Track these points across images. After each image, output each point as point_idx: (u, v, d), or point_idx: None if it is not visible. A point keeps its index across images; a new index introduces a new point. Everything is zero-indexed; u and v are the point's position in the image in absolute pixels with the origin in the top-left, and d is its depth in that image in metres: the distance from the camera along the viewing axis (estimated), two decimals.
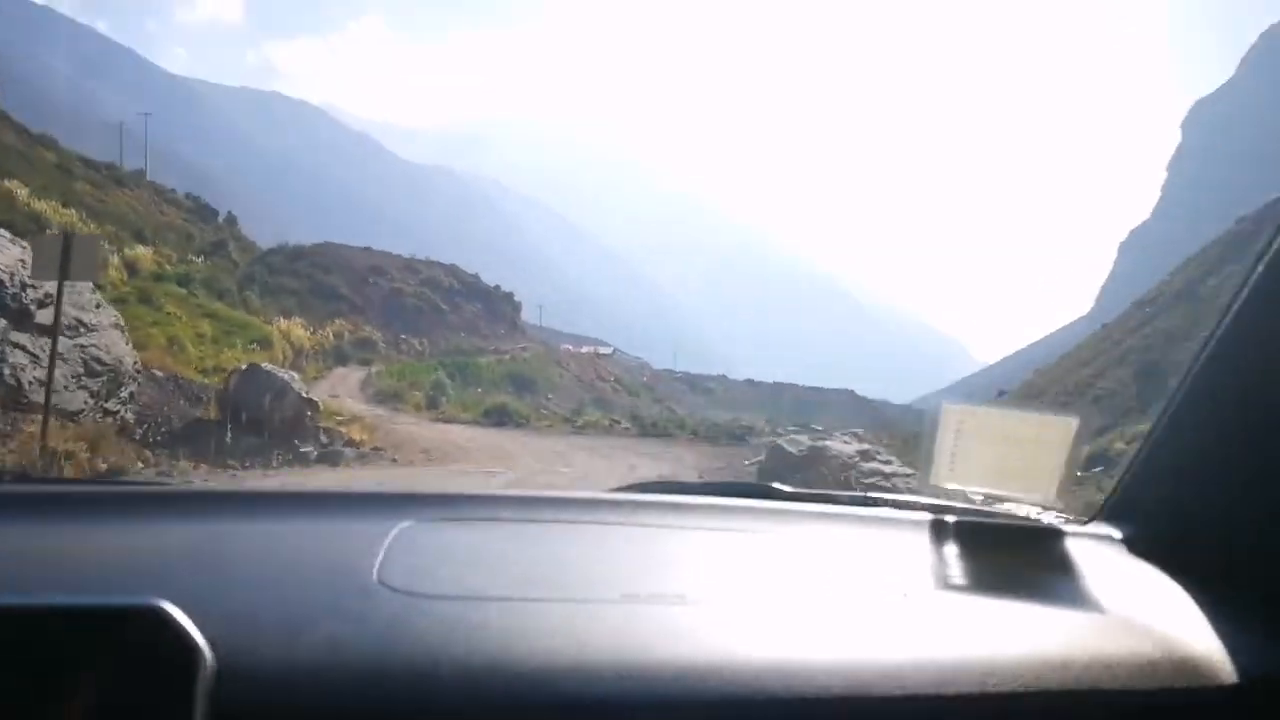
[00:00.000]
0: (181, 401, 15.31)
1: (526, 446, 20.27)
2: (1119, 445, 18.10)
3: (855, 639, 0.99)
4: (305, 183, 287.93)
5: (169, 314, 26.14)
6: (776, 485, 1.46)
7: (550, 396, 37.74)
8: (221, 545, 1.11)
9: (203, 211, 54.90)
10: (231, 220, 55.76)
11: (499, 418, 26.43)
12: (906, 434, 26.14)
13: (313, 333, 35.55)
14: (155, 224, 44.06)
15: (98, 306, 13.87)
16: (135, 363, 14.18)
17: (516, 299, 63.31)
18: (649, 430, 27.13)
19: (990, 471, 1.28)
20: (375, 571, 1.02)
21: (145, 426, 13.42)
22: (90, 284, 13.33)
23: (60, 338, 11.18)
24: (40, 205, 30.50)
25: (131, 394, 13.70)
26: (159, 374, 16.17)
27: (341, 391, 27.09)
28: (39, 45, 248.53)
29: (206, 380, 18.16)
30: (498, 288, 61.69)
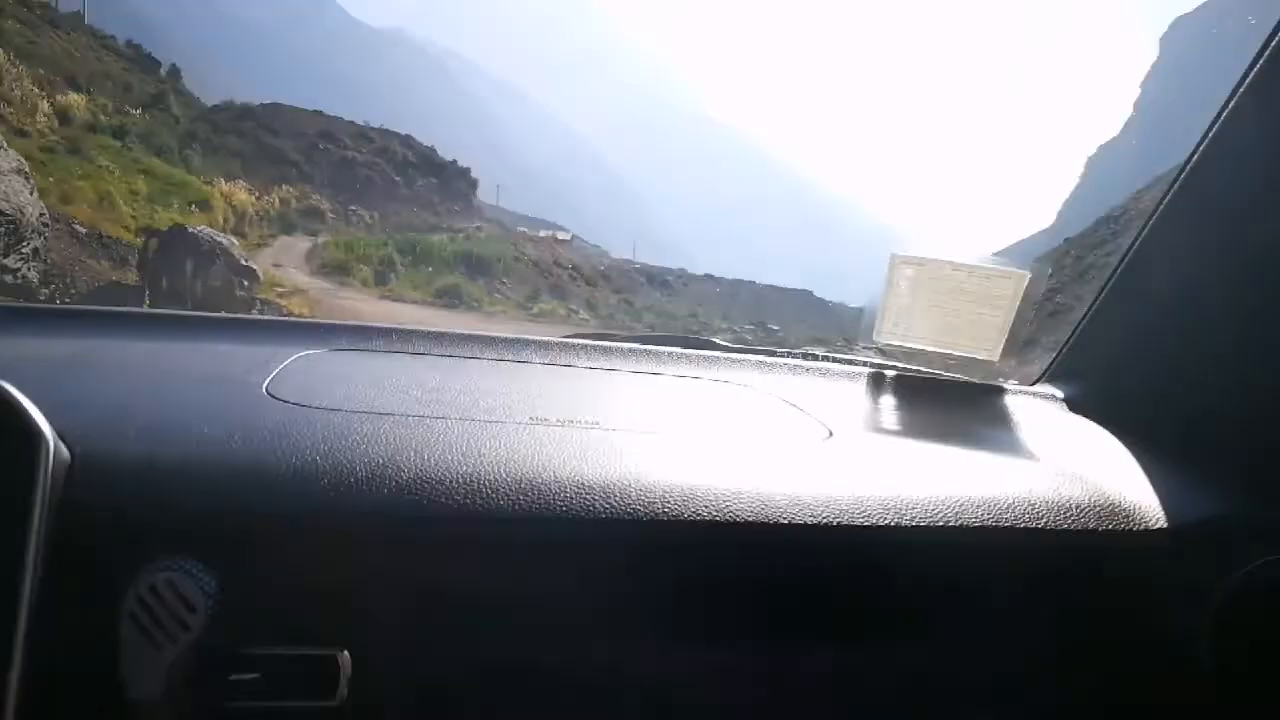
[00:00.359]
0: (104, 262, 14.18)
1: None
2: None
3: (768, 470, 0.96)
4: (253, 39, 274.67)
5: (101, 167, 24.56)
6: (717, 339, 1.43)
7: (505, 280, 36.73)
8: (97, 355, 1.04)
9: (144, 62, 51.66)
10: (175, 73, 52.66)
11: (450, 299, 25.69)
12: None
13: (258, 198, 34.04)
14: (91, 71, 41.41)
15: None
16: (42, 214, 12.73)
17: (474, 176, 61.42)
18: (607, 323, 26.68)
19: (937, 327, 1.23)
20: (265, 386, 0.97)
21: (52, 287, 12.24)
22: None
23: None
24: None
25: (36, 249, 12.31)
26: (81, 229, 14.96)
27: (285, 261, 26.03)
28: None
29: (137, 241, 17.04)
30: (454, 163, 59.65)
